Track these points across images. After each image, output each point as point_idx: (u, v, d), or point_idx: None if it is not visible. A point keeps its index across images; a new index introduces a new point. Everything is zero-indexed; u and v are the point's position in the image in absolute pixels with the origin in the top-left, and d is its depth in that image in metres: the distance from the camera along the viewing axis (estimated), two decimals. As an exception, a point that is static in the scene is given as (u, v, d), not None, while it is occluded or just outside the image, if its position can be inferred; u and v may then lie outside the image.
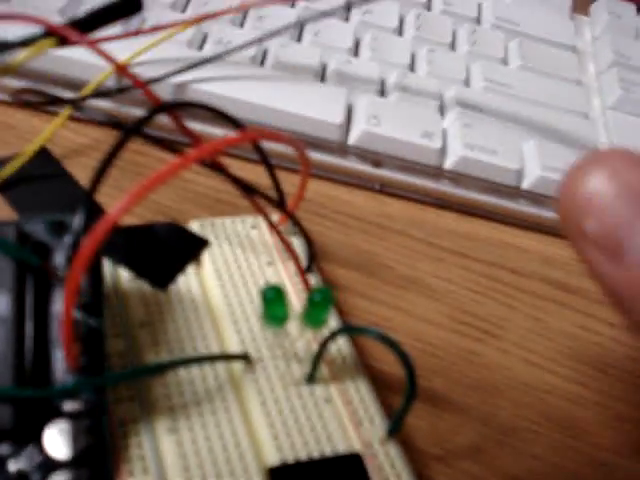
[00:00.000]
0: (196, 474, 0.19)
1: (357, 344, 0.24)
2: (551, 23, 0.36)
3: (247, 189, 0.21)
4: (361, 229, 0.28)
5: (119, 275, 0.22)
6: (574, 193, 0.15)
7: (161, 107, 0.19)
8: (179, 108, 0.22)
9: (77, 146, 0.28)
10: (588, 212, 0.15)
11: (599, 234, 0.15)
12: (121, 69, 0.20)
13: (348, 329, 0.21)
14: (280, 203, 0.22)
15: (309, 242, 0.23)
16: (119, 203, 0.16)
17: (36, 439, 0.18)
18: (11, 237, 0.18)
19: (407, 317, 0.26)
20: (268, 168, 0.23)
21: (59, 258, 0.19)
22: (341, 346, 0.22)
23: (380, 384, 0.23)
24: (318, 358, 0.20)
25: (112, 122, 0.25)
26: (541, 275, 0.29)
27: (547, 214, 0.29)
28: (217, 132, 0.28)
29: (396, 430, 0.20)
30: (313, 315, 0.20)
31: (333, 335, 0.20)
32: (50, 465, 0.17)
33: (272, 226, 0.22)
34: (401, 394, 0.23)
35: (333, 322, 0.23)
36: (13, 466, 0.17)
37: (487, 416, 0.24)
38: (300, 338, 0.22)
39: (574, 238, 0.15)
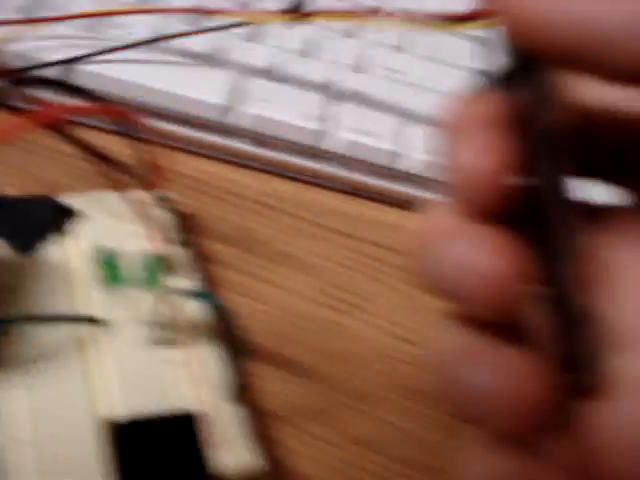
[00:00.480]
0: (40, 427, 0.20)
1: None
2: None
3: (109, 164, 0.23)
4: (242, 206, 0.29)
5: (-12, 243, 0.24)
6: None
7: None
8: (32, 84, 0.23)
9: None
10: None
11: None
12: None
13: (177, 291, 0.22)
14: (142, 179, 0.24)
15: (173, 216, 0.25)
16: None
17: None
18: None
19: (277, 290, 0.27)
20: (136, 148, 0.24)
21: None
22: (197, 311, 0.23)
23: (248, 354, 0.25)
24: (162, 322, 0.22)
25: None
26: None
27: (430, 195, 0.31)
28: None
29: (233, 391, 0.21)
30: (149, 277, 0.22)
31: (172, 301, 0.21)
32: None
33: (133, 203, 0.23)
34: (259, 360, 0.24)
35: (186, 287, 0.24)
36: None
37: (340, 383, 0.25)
38: (149, 303, 0.23)
39: None
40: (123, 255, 0.24)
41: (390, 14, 0.28)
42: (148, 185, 0.25)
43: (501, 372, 0.16)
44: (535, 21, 0.17)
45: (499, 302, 0.16)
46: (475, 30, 0.24)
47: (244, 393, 0.22)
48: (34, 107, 0.21)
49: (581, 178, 0.20)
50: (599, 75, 0.17)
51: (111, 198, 0.26)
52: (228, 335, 0.21)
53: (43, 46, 0.29)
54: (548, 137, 0.17)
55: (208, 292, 0.20)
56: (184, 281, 0.24)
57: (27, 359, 0.21)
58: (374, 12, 0.28)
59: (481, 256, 0.16)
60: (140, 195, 0.25)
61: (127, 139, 0.24)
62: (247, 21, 0.29)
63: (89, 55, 0.29)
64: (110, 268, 0.21)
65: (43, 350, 0.21)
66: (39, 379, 0.21)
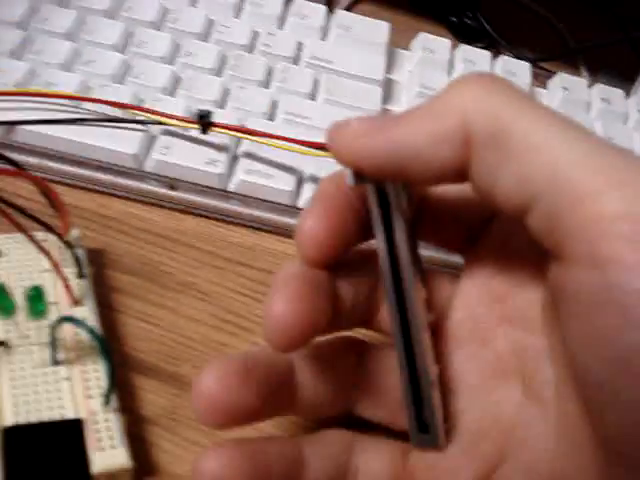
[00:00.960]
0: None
1: (117, 334, 0.29)
2: (364, 61, 0.41)
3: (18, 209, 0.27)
4: (151, 241, 0.33)
5: None
6: None
7: None
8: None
9: None
10: None
11: None
12: None
13: (63, 319, 0.26)
14: (46, 224, 0.28)
15: (73, 252, 0.29)
16: None
17: None
18: None
19: (174, 315, 0.31)
20: (47, 197, 0.28)
21: None
22: (83, 335, 0.27)
23: (133, 368, 0.29)
24: (53, 345, 0.26)
25: None
26: (310, 281, 0.34)
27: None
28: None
29: (107, 400, 0.26)
30: (33, 308, 0.26)
31: (54, 325, 0.25)
32: None
33: (33, 240, 0.27)
34: (149, 375, 0.28)
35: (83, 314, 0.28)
36: None
37: (222, 395, 0.29)
38: (41, 328, 0.27)
39: None
40: (19, 287, 0.28)
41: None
42: (57, 226, 0.29)
43: None
44: (355, 155, 0.22)
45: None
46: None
47: (121, 402, 0.26)
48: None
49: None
50: (419, 181, 0.22)
51: (20, 239, 0.30)
52: (106, 354, 0.25)
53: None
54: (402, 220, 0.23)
55: (80, 320, 0.25)
56: (80, 309, 0.28)
57: None
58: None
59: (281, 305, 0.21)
60: (48, 235, 0.30)
61: (37, 185, 0.29)
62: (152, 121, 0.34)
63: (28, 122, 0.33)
64: (4, 300, 0.26)
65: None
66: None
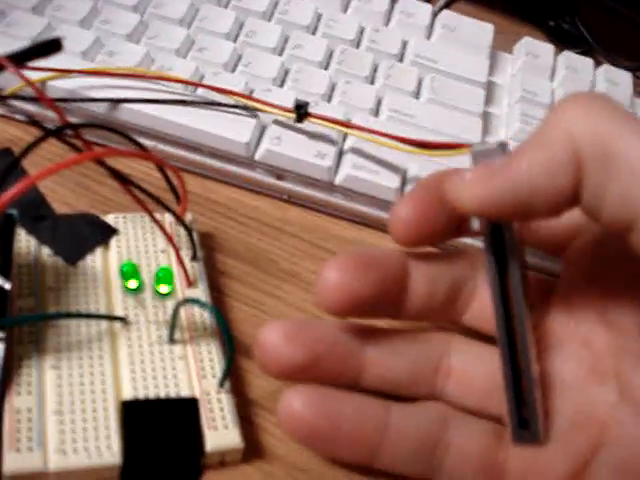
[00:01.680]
0: (67, 401, 0.25)
1: (225, 317, 0.30)
2: (468, 62, 0.41)
3: (142, 190, 0.28)
4: (259, 230, 0.34)
5: (41, 251, 0.29)
6: None
7: (66, 126, 0.26)
8: (82, 127, 0.28)
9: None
10: None
11: None
12: (30, 84, 0.27)
13: (186, 300, 0.27)
14: (164, 205, 0.29)
15: (191, 235, 0.30)
16: (19, 184, 0.22)
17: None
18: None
19: (278, 302, 0.32)
20: (167, 179, 0.29)
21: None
22: (203, 317, 0.28)
23: (240, 351, 0.29)
24: (173, 324, 0.27)
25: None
26: (410, 278, 0.34)
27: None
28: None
29: (222, 383, 0.26)
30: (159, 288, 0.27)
31: (178, 305, 0.26)
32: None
33: (157, 222, 0.28)
34: (255, 360, 0.29)
35: (197, 296, 0.29)
36: None
37: (325, 384, 0.29)
38: (163, 307, 0.28)
39: None
40: (145, 267, 0.29)
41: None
42: (176, 208, 0.30)
43: None
44: (476, 202, 0.22)
45: None
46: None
47: (236, 384, 0.27)
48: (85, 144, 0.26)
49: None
50: (540, 215, 0.22)
51: (143, 219, 0.31)
52: (222, 337, 0.26)
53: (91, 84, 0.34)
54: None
55: (206, 302, 0.25)
56: (194, 291, 0.29)
57: (66, 347, 0.26)
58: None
59: None
60: (167, 216, 0.30)
61: (161, 168, 0.30)
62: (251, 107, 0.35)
63: (134, 100, 0.34)
64: (133, 278, 0.27)
65: (77, 340, 0.27)
66: (73, 362, 0.26)
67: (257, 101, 0.34)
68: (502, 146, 0.23)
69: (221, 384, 0.26)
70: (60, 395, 0.25)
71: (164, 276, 0.28)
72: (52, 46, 0.27)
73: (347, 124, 0.34)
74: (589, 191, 0.21)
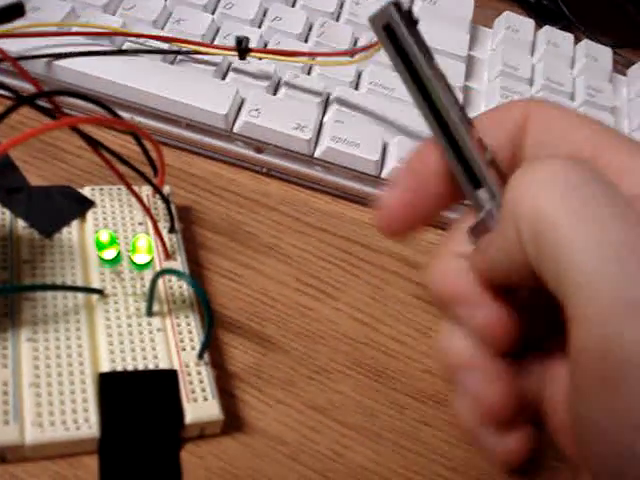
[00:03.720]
0: (43, 373, 0.25)
1: (207, 291, 0.30)
2: (449, 36, 0.41)
3: (120, 161, 0.27)
4: (237, 203, 0.34)
5: (16, 223, 0.28)
6: None
7: (41, 94, 0.25)
8: (58, 94, 0.28)
9: None
10: None
11: None
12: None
13: (165, 271, 0.27)
14: (145, 177, 0.28)
15: (169, 208, 0.29)
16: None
17: None
18: None
19: (258, 275, 0.31)
20: (144, 152, 0.29)
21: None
22: (181, 289, 0.28)
23: (220, 324, 0.29)
24: (151, 296, 0.26)
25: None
26: (390, 251, 0.34)
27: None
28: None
29: (201, 354, 0.26)
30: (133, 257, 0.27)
31: (157, 276, 0.26)
32: None
33: (135, 194, 0.28)
34: (235, 332, 0.29)
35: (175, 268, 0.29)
36: None
37: (305, 357, 0.29)
38: (140, 279, 0.28)
39: None
40: (123, 240, 0.29)
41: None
42: (153, 180, 0.29)
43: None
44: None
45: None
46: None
47: (210, 357, 0.27)
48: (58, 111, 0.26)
49: None
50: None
51: (120, 191, 0.30)
52: (201, 309, 0.25)
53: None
54: None
55: (185, 273, 0.25)
56: (173, 263, 0.29)
57: (43, 319, 0.26)
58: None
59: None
60: (144, 189, 0.30)
61: (137, 137, 0.29)
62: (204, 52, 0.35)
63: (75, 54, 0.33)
64: (110, 246, 0.26)
65: (54, 312, 0.26)
66: (50, 335, 0.26)
67: (198, 44, 0.34)
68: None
69: (200, 356, 0.26)
70: (36, 368, 0.25)
71: (142, 245, 0.28)
72: (15, 11, 0.26)
73: (285, 52, 0.34)
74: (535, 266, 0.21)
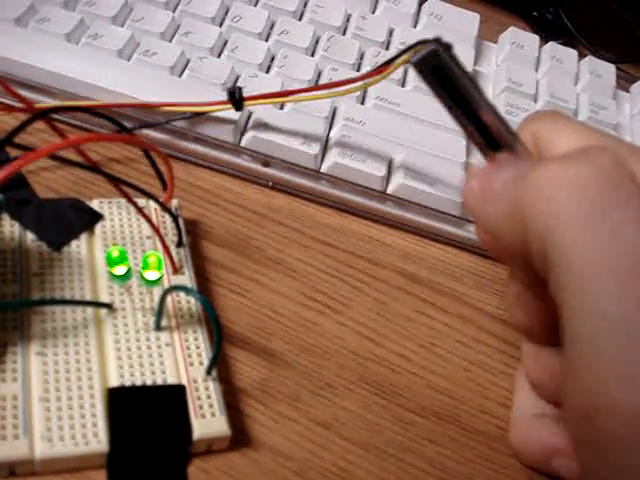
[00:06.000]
0: (52, 387, 0.25)
1: (215, 306, 0.30)
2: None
3: (121, 182, 0.28)
4: (244, 217, 0.34)
5: (26, 236, 0.29)
6: None
7: (53, 109, 0.25)
8: (72, 110, 0.28)
9: None
10: None
11: None
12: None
13: (174, 288, 0.27)
14: (149, 194, 0.29)
15: (177, 222, 0.29)
16: (4, 169, 0.22)
17: None
18: None
19: (264, 289, 0.32)
20: (152, 165, 0.29)
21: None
22: (189, 304, 0.28)
23: (226, 338, 0.29)
24: (160, 311, 0.27)
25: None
26: (395, 267, 0.34)
27: (409, 215, 0.35)
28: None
29: (210, 370, 0.26)
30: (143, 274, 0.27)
31: (166, 292, 0.26)
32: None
33: (138, 209, 0.28)
34: (242, 347, 0.29)
35: (183, 283, 0.29)
36: None
37: (311, 373, 0.29)
38: (149, 294, 0.28)
39: None
40: (131, 254, 0.29)
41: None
42: (161, 193, 0.29)
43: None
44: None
45: None
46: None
47: (225, 373, 0.27)
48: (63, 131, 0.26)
49: None
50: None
51: (127, 204, 0.30)
52: (209, 324, 0.26)
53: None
54: None
55: (194, 289, 0.25)
56: (180, 277, 0.29)
57: (52, 333, 0.26)
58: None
59: None
60: (151, 202, 0.30)
61: (147, 154, 0.29)
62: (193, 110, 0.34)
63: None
64: (121, 264, 0.26)
65: (63, 326, 0.26)
66: (59, 349, 0.26)
67: (191, 105, 0.33)
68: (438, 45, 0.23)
69: (208, 371, 0.26)
70: (46, 382, 0.25)
71: (153, 262, 0.28)
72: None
73: (282, 93, 0.34)
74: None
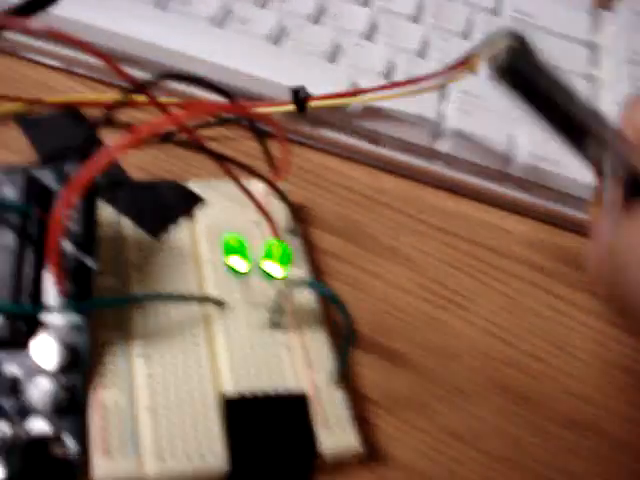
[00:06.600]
0: (160, 395, 0.22)
1: (325, 300, 0.26)
2: (569, 18, 0.37)
3: (227, 160, 0.24)
4: (354, 201, 0.30)
5: (122, 223, 0.26)
6: None
7: (149, 82, 0.22)
8: (169, 78, 0.25)
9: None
10: None
11: None
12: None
13: (303, 284, 0.24)
14: (258, 174, 0.25)
15: (290, 208, 0.26)
16: (114, 144, 0.19)
17: (26, 348, 0.21)
18: (20, 182, 0.22)
19: (380, 282, 0.28)
20: (261, 141, 0.26)
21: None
22: (306, 299, 0.25)
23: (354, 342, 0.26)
24: (277, 307, 0.23)
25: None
26: (520, 256, 0.31)
27: (534, 200, 0.31)
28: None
29: (337, 377, 0.23)
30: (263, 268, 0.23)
31: (290, 288, 0.23)
32: (35, 372, 0.21)
33: (246, 191, 0.24)
34: (362, 347, 0.26)
35: (299, 275, 0.25)
36: (6, 370, 0.21)
37: (439, 377, 0.26)
38: (267, 288, 0.24)
39: None
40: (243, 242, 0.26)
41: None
42: (267, 175, 0.26)
43: None
44: None
45: None
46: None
47: (347, 378, 0.24)
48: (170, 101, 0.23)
49: None
50: None
51: (230, 186, 0.27)
52: (341, 325, 0.22)
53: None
54: None
55: (320, 282, 0.22)
56: (296, 269, 0.25)
57: (155, 332, 0.23)
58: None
59: None
60: (257, 184, 0.27)
61: (249, 131, 0.26)
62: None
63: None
64: (234, 253, 0.23)
65: (169, 326, 0.23)
66: (164, 350, 0.23)
67: (253, 106, 0.30)
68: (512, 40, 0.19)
69: (335, 378, 0.23)
70: (152, 388, 0.22)
71: (277, 253, 0.24)
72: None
73: (349, 93, 0.30)
74: None
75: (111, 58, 0.23)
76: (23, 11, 0.25)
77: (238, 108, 0.23)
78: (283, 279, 0.24)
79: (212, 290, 0.24)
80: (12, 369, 0.21)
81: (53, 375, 0.21)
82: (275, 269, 0.24)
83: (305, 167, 0.31)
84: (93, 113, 0.29)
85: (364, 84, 0.31)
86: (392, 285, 0.28)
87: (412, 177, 0.32)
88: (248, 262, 0.24)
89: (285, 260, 0.24)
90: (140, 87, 0.22)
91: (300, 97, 0.29)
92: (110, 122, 0.21)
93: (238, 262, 0.24)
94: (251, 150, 0.28)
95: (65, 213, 0.19)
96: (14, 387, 0.20)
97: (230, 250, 0.24)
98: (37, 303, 0.21)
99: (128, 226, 0.26)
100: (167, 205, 0.26)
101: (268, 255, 0.24)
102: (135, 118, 0.30)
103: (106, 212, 0.25)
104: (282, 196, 0.26)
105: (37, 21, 0.25)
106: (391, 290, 0.28)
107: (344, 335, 0.22)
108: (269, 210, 0.27)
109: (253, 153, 0.27)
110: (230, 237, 0.24)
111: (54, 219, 0.19)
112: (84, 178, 0.19)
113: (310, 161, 0.31)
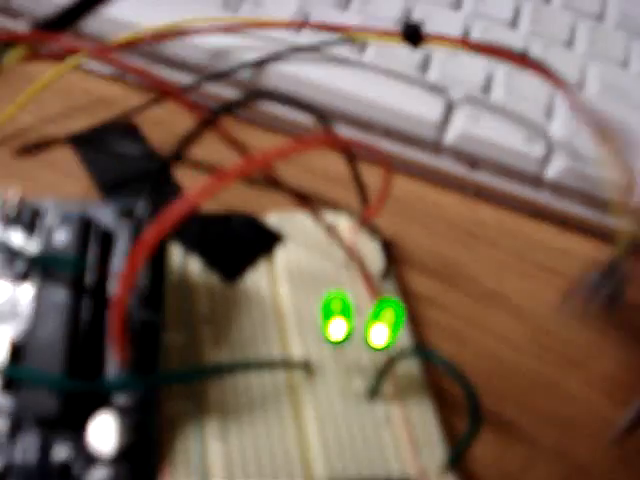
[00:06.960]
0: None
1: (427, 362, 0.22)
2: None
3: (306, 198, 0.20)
4: (449, 235, 0.26)
5: (189, 265, 0.22)
6: None
7: (233, 104, 0.18)
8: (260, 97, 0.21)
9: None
10: None
11: None
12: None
13: (416, 352, 0.20)
14: (362, 202, 0.21)
15: (386, 248, 0.22)
16: (192, 192, 0.15)
17: (82, 430, 0.17)
18: (75, 228, 0.18)
19: (484, 334, 0.24)
20: (354, 174, 0.22)
21: (121, 247, 0.19)
22: (409, 364, 0.21)
23: (448, 407, 0.22)
24: (383, 376, 0.19)
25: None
26: (640, 303, 0.26)
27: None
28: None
29: (456, 462, 0.19)
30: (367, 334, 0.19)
31: (400, 356, 0.19)
32: (92, 458, 0.17)
33: (329, 230, 0.21)
34: (464, 413, 0.21)
35: (404, 337, 0.22)
36: (56, 456, 0.17)
37: (562, 451, 0.22)
38: (364, 351, 0.21)
39: None
40: (322, 289, 0.22)
41: None
42: (358, 210, 0.22)
43: None
44: None
45: None
46: None
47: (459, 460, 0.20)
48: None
49: None
50: None
51: (304, 219, 0.23)
52: (472, 411, 0.18)
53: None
54: None
55: (429, 348, 0.18)
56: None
57: (233, 405, 0.19)
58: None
59: None
60: (344, 219, 0.23)
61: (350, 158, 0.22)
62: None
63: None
64: (342, 316, 0.19)
65: (248, 396, 0.19)
66: (244, 428, 0.19)
67: (364, 31, 0.27)
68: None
69: (453, 463, 0.19)
70: (230, 472, 0.18)
71: (389, 319, 0.20)
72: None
73: (474, 45, 0.26)
74: None
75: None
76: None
77: (331, 140, 0.19)
78: (387, 346, 0.20)
79: (298, 349, 0.21)
80: (62, 454, 0.17)
81: (113, 462, 0.17)
82: (381, 334, 0.20)
83: (392, 195, 0.27)
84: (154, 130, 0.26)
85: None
86: (496, 337, 0.24)
87: (512, 207, 0.28)
88: (349, 325, 0.20)
89: (396, 327, 0.20)
90: (223, 110, 0.18)
91: (414, 33, 0.26)
92: (180, 156, 0.17)
93: (339, 326, 0.20)
94: (336, 174, 0.24)
95: (132, 282, 0.15)
96: (65, 476, 0.17)
97: (329, 312, 0.19)
98: (94, 375, 0.18)
99: (197, 267, 0.22)
100: (243, 243, 0.22)
101: (376, 317, 0.19)
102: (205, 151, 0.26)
103: (171, 251, 0.22)
104: (376, 235, 0.22)
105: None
106: (495, 343, 0.24)
107: (469, 412, 0.18)
108: (359, 249, 0.23)
109: (338, 177, 0.23)
110: (332, 296, 0.20)
111: (120, 289, 0.16)
112: (158, 235, 0.15)
113: (398, 188, 0.27)
